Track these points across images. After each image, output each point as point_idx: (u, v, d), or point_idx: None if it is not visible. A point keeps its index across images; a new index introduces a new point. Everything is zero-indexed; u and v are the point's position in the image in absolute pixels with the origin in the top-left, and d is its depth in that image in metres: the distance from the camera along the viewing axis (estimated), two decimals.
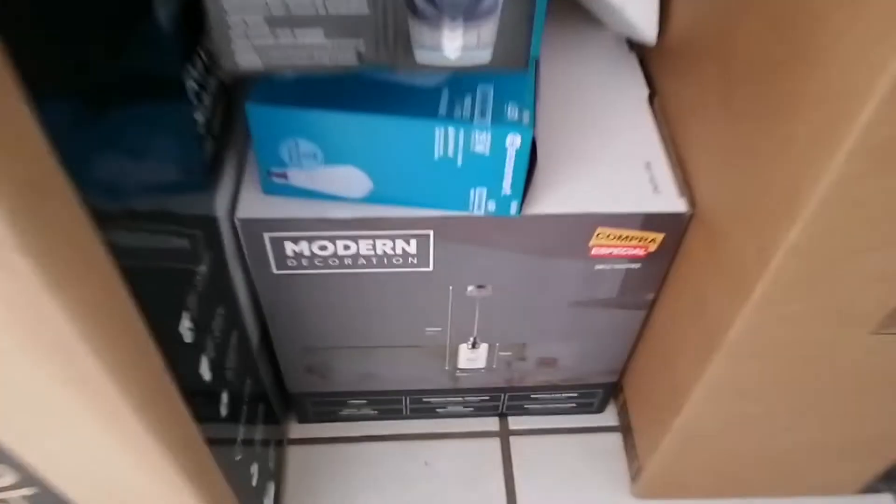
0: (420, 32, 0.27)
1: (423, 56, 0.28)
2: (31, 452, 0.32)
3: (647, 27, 0.46)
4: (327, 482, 0.59)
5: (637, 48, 0.54)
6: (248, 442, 0.48)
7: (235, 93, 0.43)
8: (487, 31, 0.27)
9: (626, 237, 0.45)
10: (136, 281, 0.28)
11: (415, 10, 0.26)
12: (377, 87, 0.40)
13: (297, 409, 0.61)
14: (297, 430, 0.63)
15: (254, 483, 0.50)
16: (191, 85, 0.34)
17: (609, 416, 0.64)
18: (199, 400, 0.37)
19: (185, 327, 0.35)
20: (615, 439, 0.63)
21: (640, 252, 0.46)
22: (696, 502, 0.59)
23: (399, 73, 0.39)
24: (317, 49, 0.28)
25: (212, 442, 0.39)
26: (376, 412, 0.62)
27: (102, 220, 0.25)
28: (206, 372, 0.38)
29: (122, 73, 0.27)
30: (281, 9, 0.26)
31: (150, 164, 0.30)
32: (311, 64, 0.29)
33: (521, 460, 0.61)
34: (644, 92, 0.50)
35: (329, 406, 0.61)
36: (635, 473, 0.58)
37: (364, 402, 0.60)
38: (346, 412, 0.62)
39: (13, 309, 0.24)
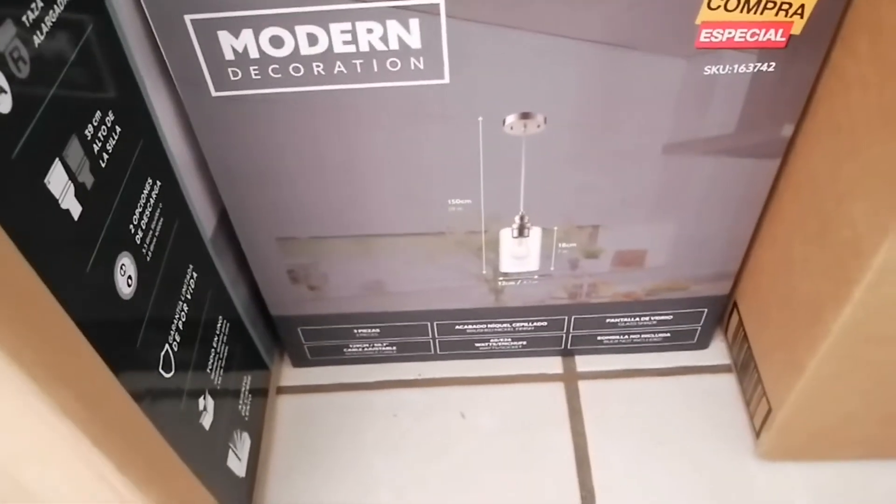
0: None
1: None
2: None
3: None
4: (330, 440, 0.43)
5: None
6: (196, 392, 0.33)
7: None
8: None
9: (757, 3, 0.28)
10: None
11: None
12: None
13: (289, 345, 0.45)
14: (290, 375, 0.47)
15: (207, 428, 0.34)
16: None
17: (715, 352, 0.47)
18: (47, 230, 0.21)
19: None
20: (726, 383, 0.45)
21: (778, 37, 0.29)
22: (856, 464, 0.41)
23: None
24: None
25: (101, 331, 0.24)
26: (394, 348, 0.46)
27: None
28: (67, 197, 0.23)
29: None
30: None
31: None
32: None
33: (594, 413, 0.44)
34: None
35: (330, 338, 0.45)
36: (761, 427, 0.40)
37: (376, 331, 0.44)
38: (353, 348, 0.46)
39: None
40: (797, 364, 0.35)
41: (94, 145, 0.25)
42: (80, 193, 0.24)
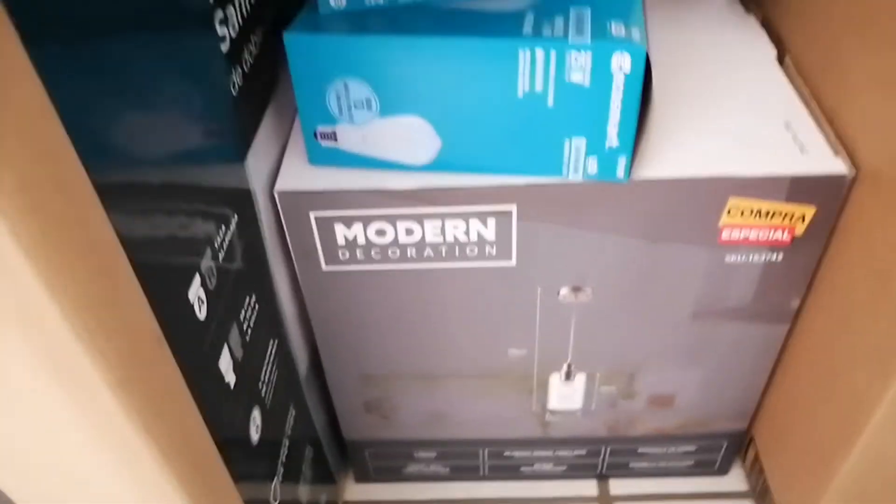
0: None
1: None
2: None
3: None
4: None
5: (756, 9, 0.45)
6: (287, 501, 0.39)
7: (276, 43, 0.36)
8: None
9: (767, 213, 0.35)
10: (133, 243, 0.21)
11: None
12: (445, 14, 0.32)
13: (355, 463, 0.51)
14: (354, 490, 0.52)
15: None
16: None
17: (735, 479, 0.52)
18: (217, 406, 0.28)
19: (196, 297, 0.26)
20: None
21: (784, 237, 0.36)
22: None
23: None
24: None
25: (240, 477, 0.30)
26: (448, 469, 0.51)
27: (103, 196, 0.19)
28: (228, 372, 0.29)
29: None
30: None
31: (151, 93, 0.23)
32: None
33: None
34: (771, 51, 0.41)
35: (392, 460, 0.50)
36: None
37: (433, 454, 0.50)
38: (411, 468, 0.51)
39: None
40: (816, 486, 0.41)
41: (244, 325, 0.32)
42: (236, 366, 0.30)
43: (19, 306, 0.19)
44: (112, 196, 0.20)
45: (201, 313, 0.27)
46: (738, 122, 0.36)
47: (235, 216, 0.31)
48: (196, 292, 0.26)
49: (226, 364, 0.29)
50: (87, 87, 0.19)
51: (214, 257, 0.28)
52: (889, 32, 0.32)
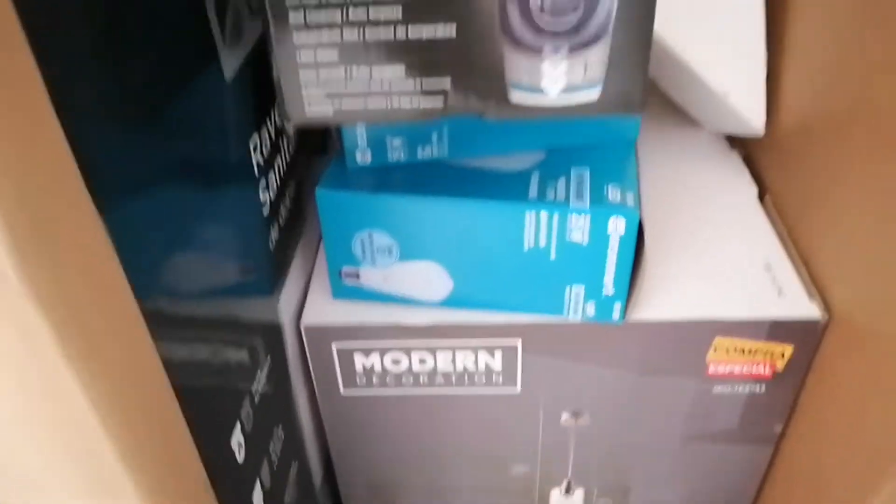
0: (516, 66, 0.23)
1: (518, 97, 0.24)
2: None
3: (754, 114, 0.42)
4: None
5: (739, 146, 0.49)
6: None
7: (304, 185, 0.40)
8: (596, 62, 0.23)
9: (750, 350, 0.38)
10: (185, 398, 0.24)
11: (510, 35, 0.22)
12: (459, 173, 0.36)
13: None
14: None
15: None
16: (257, 159, 0.31)
17: None
18: None
19: (237, 443, 0.29)
20: None
21: (766, 371, 0.39)
22: None
23: (489, 119, 0.34)
24: (395, 92, 0.24)
25: None
26: None
27: (151, 326, 0.22)
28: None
29: (174, 146, 0.24)
30: (354, 33, 0.23)
31: (203, 257, 0.27)
32: (388, 111, 0.25)
33: None
34: (752, 190, 0.45)
35: None
36: None
37: None
38: None
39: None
40: None
41: (272, 455, 0.35)
42: (265, 497, 0.33)
43: (82, 451, 0.22)
44: (166, 351, 0.23)
45: (240, 456, 0.29)
46: (722, 264, 0.40)
47: (269, 358, 0.34)
48: (237, 439, 0.29)
49: (258, 497, 0.32)
50: (146, 239, 0.22)
51: (251, 402, 0.31)
52: (860, 182, 0.36)
